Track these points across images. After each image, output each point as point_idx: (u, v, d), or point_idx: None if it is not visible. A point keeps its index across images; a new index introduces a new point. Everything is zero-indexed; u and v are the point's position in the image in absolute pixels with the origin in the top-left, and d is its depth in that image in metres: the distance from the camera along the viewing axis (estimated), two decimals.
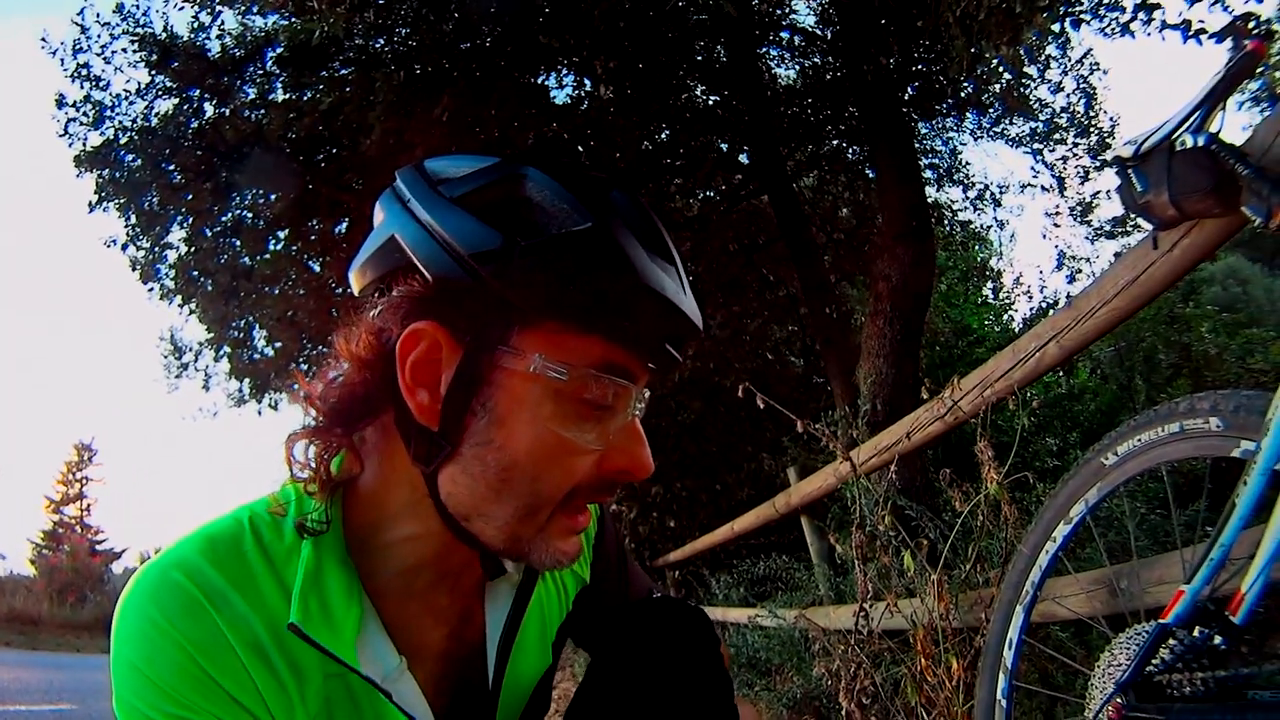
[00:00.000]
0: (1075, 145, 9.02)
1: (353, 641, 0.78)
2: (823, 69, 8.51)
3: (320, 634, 0.75)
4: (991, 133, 9.20)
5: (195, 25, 7.47)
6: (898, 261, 5.65)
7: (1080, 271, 10.09)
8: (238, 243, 8.24)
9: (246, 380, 9.62)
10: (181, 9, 7.44)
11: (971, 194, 10.15)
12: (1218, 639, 1.17)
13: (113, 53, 7.58)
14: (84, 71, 7.58)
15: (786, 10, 8.27)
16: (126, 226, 8.01)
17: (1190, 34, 4.44)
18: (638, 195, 0.79)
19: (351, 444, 0.82)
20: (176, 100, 7.48)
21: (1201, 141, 1.30)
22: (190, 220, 7.95)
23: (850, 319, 8.99)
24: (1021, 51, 5.29)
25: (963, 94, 8.26)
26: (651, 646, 0.71)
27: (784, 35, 8.47)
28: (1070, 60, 8.28)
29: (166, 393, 11.02)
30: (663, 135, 8.48)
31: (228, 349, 9.34)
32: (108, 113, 7.55)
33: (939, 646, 2.33)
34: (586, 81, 7.96)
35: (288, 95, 7.38)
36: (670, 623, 0.73)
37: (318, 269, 8.63)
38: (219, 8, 7.39)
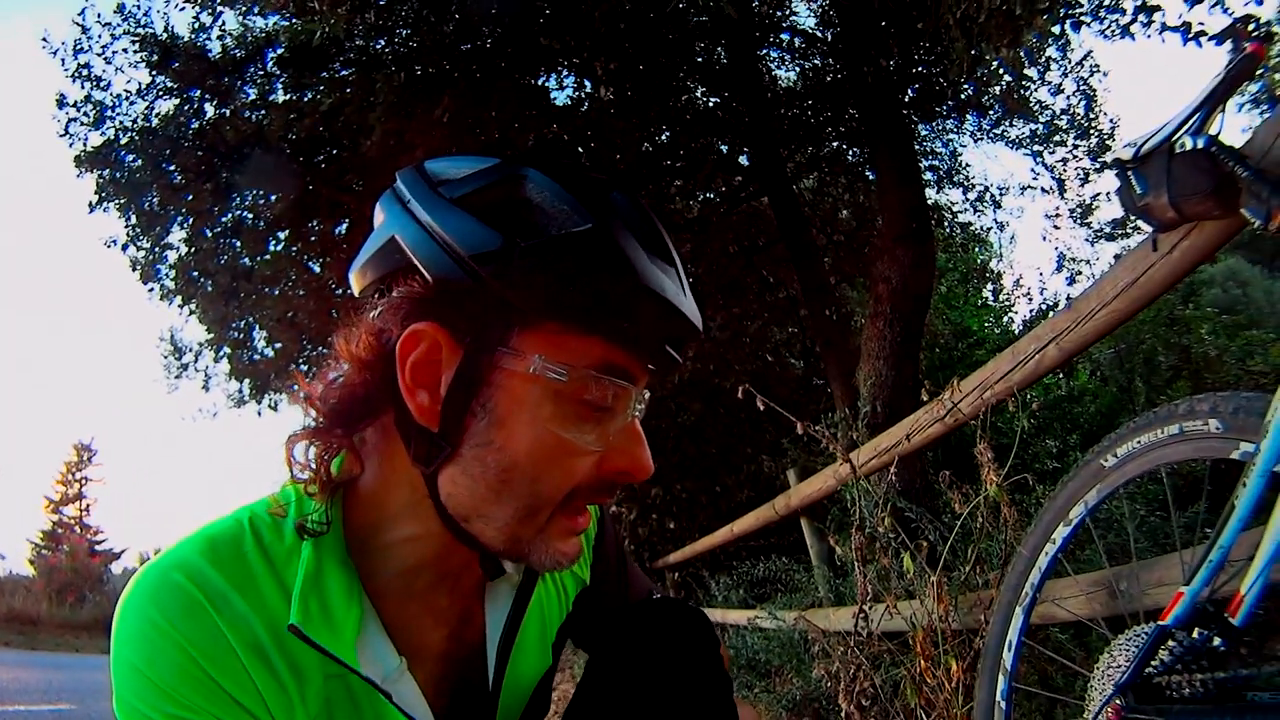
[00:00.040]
0: (1075, 147, 9.04)
1: (353, 642, 0.78)
2: (823, 71, 8.52)
3: (320, 635, 0.75)
4: (992, 135, 9.21)
5: (196, 26, 7.48)
6: (898, 263, 5.66)
7: (1080, 273, 10.12)
8: (238, 243, 8.25)
9: (246, 381, 9.63)
10: (182, 9, 7.45)
11: (971, 196, 10.18)
12: (1217, 641, 1.17)
13: (114, 53, 7.59)
14: (85, 71, 7.59)
15: (787, 12, 8.28)
16: (127, 227, 8.02)
17: (1190, 36, 4.45)
18: (638, 197, 0.79)
19: (352, 445, 0.82)
20: (177, 100, 7.48)
21: (1201, 144, 1.30)
22: (190, 221, 7.96)
23: (850, 321, 8.99)
24: (1022, 54, 5.29)
25: (963, 96, 8.27)
26: (651, 646, 0.71)
27: (784, 37, 8.48)
28: (1070, 62, 8.29)
29: (166, 393, 11.03)
30: (663, 137, 8.48)
31: (228, 350, 9.34)
32: (108, 113, 7.56)
33: (938, 648, 2.33)
34: (587, 83, 7.97)
35: (288, 96, 7.39)
36: (670, 623, 0.73)
37: (318, 270, 8.64)
38: (220, 8, 7.40)
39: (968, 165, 10.00)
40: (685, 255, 7.94)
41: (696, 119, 8.37)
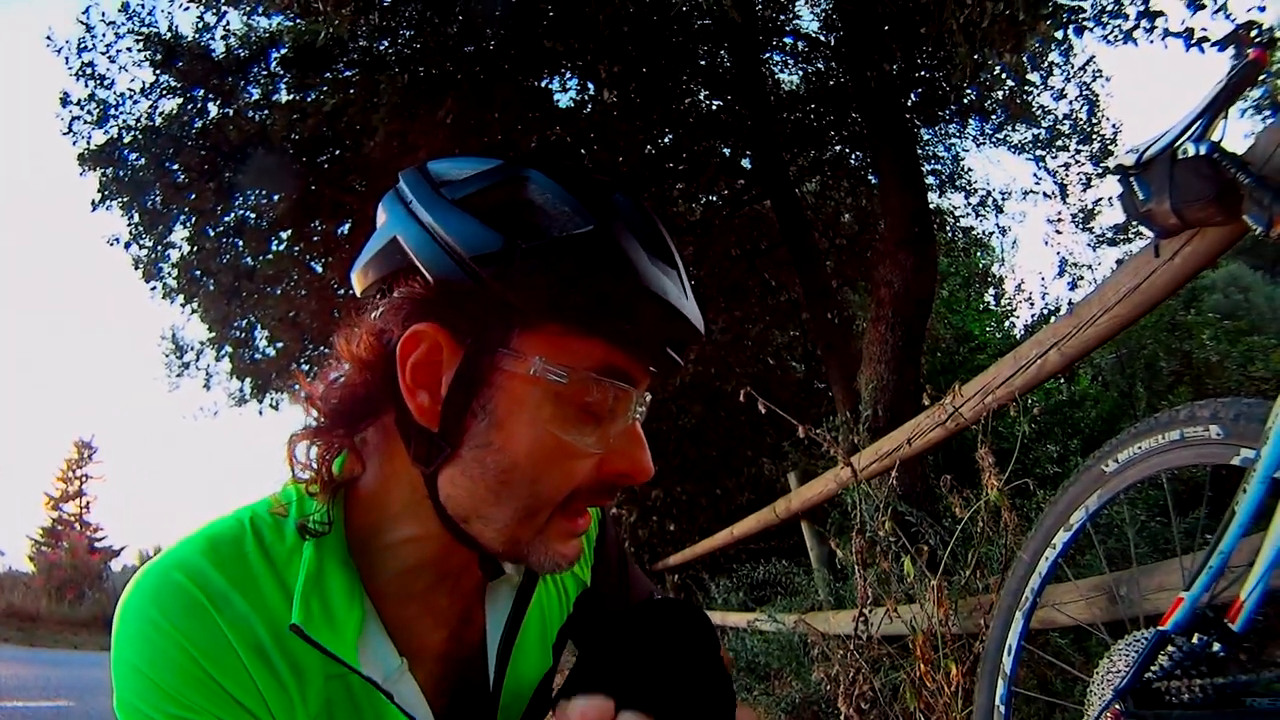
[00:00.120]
0: (1077, 152, 9.05)
1: (354, 642, 0.78)
2: (826, 75, 8.54)
3: (322, 635, 0.75)
4: (994, 139, 9.23)
5: (200, 25, 7.51)
6: (900, 267, 5.66)
7: (1082, 278, 10.12)
8: (240, 243, 8.26)
9: (248, 380, 9.64)
10: (187, 9, 7.48)
11: (973, 200, 10.19)
12: (1216, 646, 1.17)
13: (117, 52, 7.62)
14: (89, 70, 7.61)
15: (790, 16, 8.29)
16: (130, 225, 8.04)
17: (1193, 42, 4.46)
18: (640, 199, 0.79)
19: (353, 445, 0.82)
20: (181, 100, 7.51)
21: (1203, 150, 1.30)
22: (193, 220, 7.98)
23: (852, 325, 8.99)
24: (1024, 59, 5.29)
25: (965, 100, 8.28)
26: (650, 636, 0.71)
27: (787, 41, 8.50)
28: (1073, 67, 8.30)
29: (167, 391, 11.05)
30: (666, 140, 8.50)
31: (229, 349, 9.36)
32: (112, 111, 7.58)
33: (938, 652, 2.33)
34: (590, 85, 7.98)
35: (292, 96, 7.41)
36: (670, 618, 0.73)
37: (320, 270, 8.65)
38: (224, 8, 7.43)
39: (970, 170, 10.05)
40: (687, 258, 7.94)
41: (699, 122, 8.38)
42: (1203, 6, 4.55)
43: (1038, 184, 9.53)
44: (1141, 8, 4.91)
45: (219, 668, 0.73)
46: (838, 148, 9.20)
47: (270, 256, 8.41)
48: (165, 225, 8.06)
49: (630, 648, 0.70)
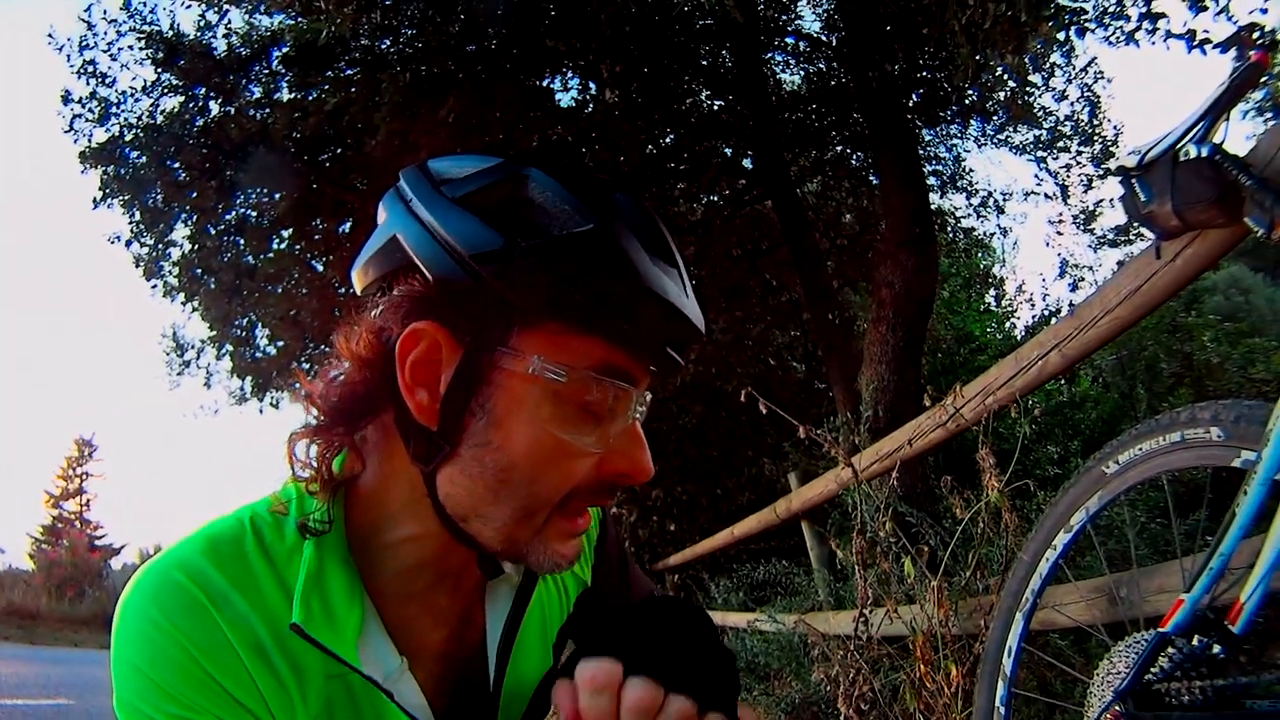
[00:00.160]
0: (1079, 153, 9.04)
1: (354, 642, 0.78)
2: (827, 75, 8.54)
3: (322, 634, 0.75)
4: (995, 140, 9.22)
5: (202, 23, 7.52)
6: (900, 268, 5.66)
7: (1083, 280, 10.11)
8: (241, 241, 8.27)
9: (248, 379, 9.65)
10: (188, 7, 7.50)
11: (975, 201, 10.19)
12: (1216, 648, 1.17)
13: (119, 49, 7.63)
14: (90, 68, 7.62)
15: (792, 16, 8.29)
16: (131, 223, 8.04)
17: (1195, 44, 4.46)
18: (641, 198, 0.79)
19: (353, 443, 0.82)
20: (182, 98, 7.52)
21: (1205, 152, 1.30)
22: (194, 218, 7.99)
23: (853, 325, 8.99)
24: (1026, 60, 5.30)
25: (967, 101, 8.28)
26: (652, 622, 0.71)
27: (789, 41, 8.50)
28: (1074, 68, 8.29)
29: (168, 390, 11.05)
30: (667, 139, 8.50)
31: (230, 347, 9.37)
32: (113, 109, 7.59)
33: (938, 653, 2.33)
34: (591, 85, 7.98)
35: (293, 95, 7.41)
36: (671, 609, 0.73)
37: (321, 268, 8.66)
38: (226, 6, 7.44)
39: (971, 170, 10.04)
40: (688, 258, 7.96)
41: (701, 122, 8.38)
42: (1205, 8, 4.55)
43: (1039, 185, 9.53)
44: (1143, 9, 4.91)
45: (219, 667, 0.73)
46: (839, 148, 9.20)
47: (271, 255, 8.41)
48: (166, 223, 8.07)
49: (634, 631, 0.70)
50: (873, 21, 6.24)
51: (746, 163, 8.78)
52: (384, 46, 6.83)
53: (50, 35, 7.69)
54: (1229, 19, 4.61)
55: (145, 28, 7.46)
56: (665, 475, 9.59)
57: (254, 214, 8.25)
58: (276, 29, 7.41)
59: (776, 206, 8.03)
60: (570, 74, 7.86)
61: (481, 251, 0.71)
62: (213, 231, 8.11)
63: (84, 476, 30.35)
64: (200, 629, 0.73)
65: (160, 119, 7.47)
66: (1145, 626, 1.38)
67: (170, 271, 8.49)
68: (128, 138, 7.51)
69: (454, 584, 0.88)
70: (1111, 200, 9.28)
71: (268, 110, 7.34)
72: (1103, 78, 8.43)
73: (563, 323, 0.72)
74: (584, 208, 0.73)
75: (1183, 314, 7.54)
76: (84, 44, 7.62)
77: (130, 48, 7.58)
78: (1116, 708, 1.26)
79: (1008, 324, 10.50)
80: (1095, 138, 8.80)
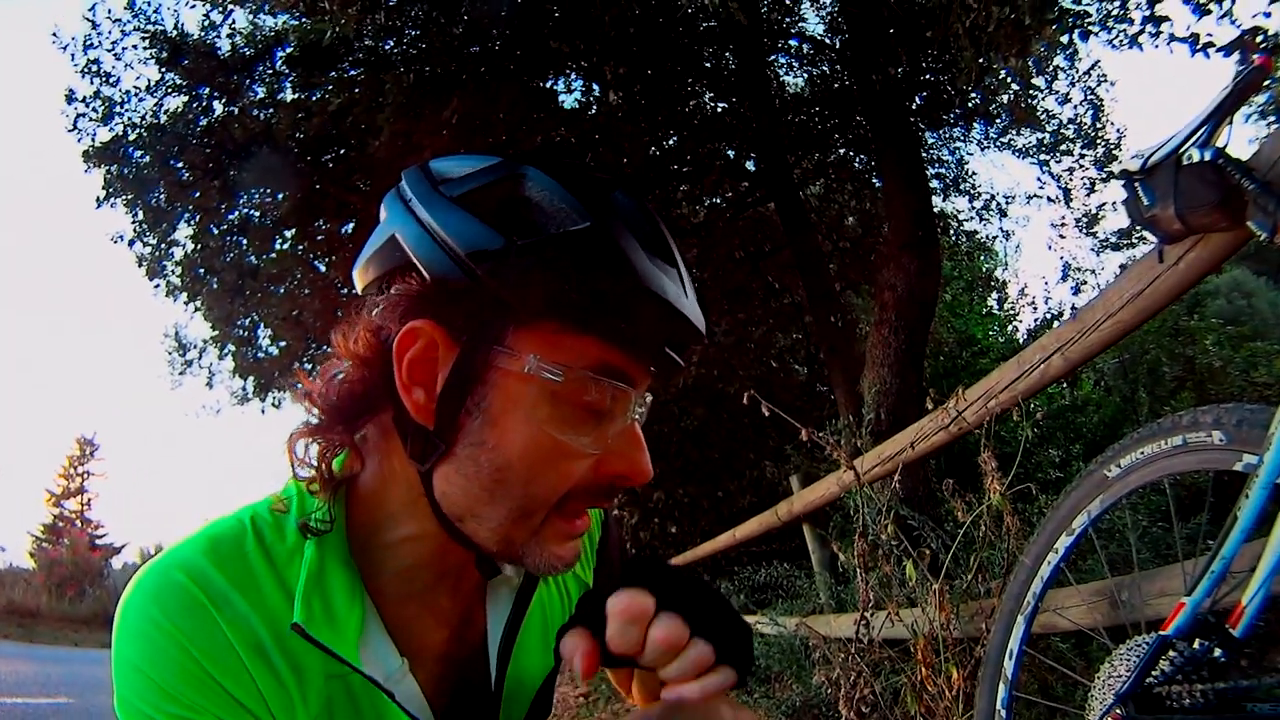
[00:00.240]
0: (1082, 157, 9.04)
1: (355, 642, 0.78)
2: (831, 78, 8.54)
3: (323, 634, 0.75)
4: (998, 143, 9.23)
5: (206, 23, 7.54)
6: (903, 271, 5.66)
7: (1085, 283, 10.12)
8: (244, 241, 8.28)
9: (250, 378, 9.66)
10: (193, 7, 7.51)
11: (978, 204, 10.19)
12: (1218, 651, 1.17)
13: (123, 49, 7.64)
14: (94, 67, 7.64)
15: (795, 19, 8.29)
16: (134, 223, 8.06)
17: (1198, 47, 4.45)
18: (642, 198, 0.79)
19: (352, 442, 0.82)
20: (186, 98, 7.53)
21: (1208, 156, 1.30)
22: (197, 218, 8.00)
23: (855, 328, 8.98)
24: (1030, 63, 5.30)
25: (970, 104, 8.28)
26: (666, 576, 0.72)
27: (793, 44, 8.50)
28: (1078, 72, 8.29)
29: (170, 389, 11.07)
30: (670, 141, 8.50)
31: (232, 347, 9.39)
32: (117, 109, 7.61)
33: (939, 656, 2.33)
34: (595, 86, 7.99)
35: (297, 95, 7.42)
36: (694, 579, 0.74)
37: (324, 269, 8.67)
38: (230, 6, 7.45)
39: (974, 173, 10.05)
40: (691, 260, 7.96)
41: (704, 124, 8.38)
42: (1208, 12, 4.55)
43: (1042, 188, 9.54)
44: (1147, 12, 4.90)
45: (219, 667, 0.73)
46: (842, 150, 9.20)
47: (274, 255, 8.43)
48: (169, 223, 8.09)
49: (662, 580, 0.71)
50: (876, 24, 6.24)
51: (749, 165, 8.79)
52: (388, 47, 6.84)
53: (55, 34, 7.73)
54: (1232, 22, 4.60)
55: (150, 27, 7.49)
56: (667, 477, 9.59)
57: (257, 214, 8.27)
58: (280, 29, 7.43)
59: (779, 209, 8.03)
60: (574, 75, 7.87)
61: (477, 250, 0.71)
62: (216, 231, 8.13)
63: (85, 475, 30.41)
64: (201, 629, 0.73)
65: (164, 119, 7.49)
66: (1147, 630, 1.37)
67: (173, 271, 8.51)
68: (131, 137, 7.53)
69: (454, 584, 0.88)
70: (1114, 204, 9.28)
71: (271, 110, 7.36)
72: (1106, 81, 8.44)
73: (559, 322, 0.72)
74: (581, 206, 0.72)
75: (1185, 318, 7.52)
76: (88, 43, 7.65)
77: (134, 47, 7.61)
78: (1118, 711, 1.25)
79: (1010, 327, 10.49)
80: (1098, 141, 8.80)
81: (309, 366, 8.51)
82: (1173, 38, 4.72)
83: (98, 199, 7.67)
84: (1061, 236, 9.95)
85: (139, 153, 7.52)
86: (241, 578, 0.76)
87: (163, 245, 8.32)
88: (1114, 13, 5.57)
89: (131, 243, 8.29)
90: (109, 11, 7.68)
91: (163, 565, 0.76)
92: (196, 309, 8.80)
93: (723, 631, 0.71)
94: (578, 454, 0.75)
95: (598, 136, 7.59)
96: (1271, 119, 9.48)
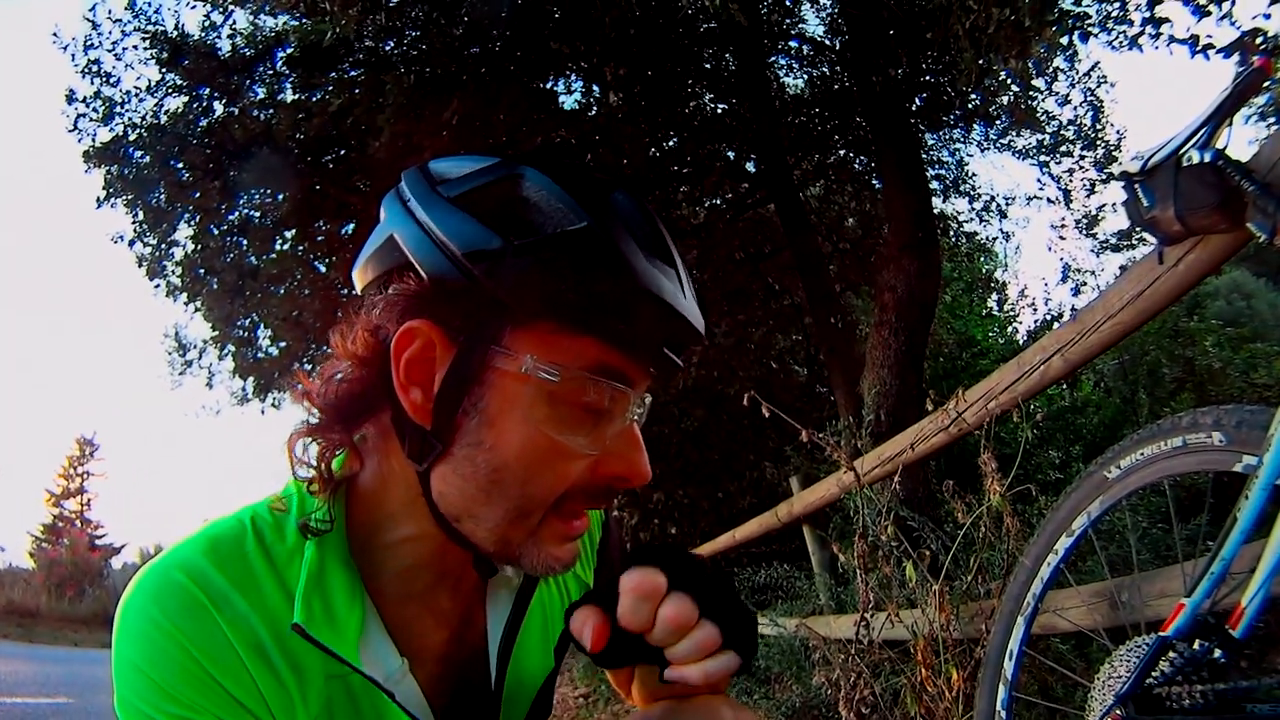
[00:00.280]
0: (1082, 158, 9.04)
1: (355, 642, 0.78)
2: (831, 79, 8.54)
3: (323, 634, 0.75)
4: (998, 144, 9.23)
5: (206, 24, 7.54)
6: (903, 272, 5.66)
7: (1085, 284, 10.12)
8: (244, 242, 8.28)
9: (250, 379, 9.66)
10: (193, 7, 7.51)
11: (977, 205, 10.19)
12: (1217, 652, 1.17)
13: (124, 49, 7.65)
14: (95, 67, 7.64)
15: (795, 20, 8.29)
16: (134, 223, 8.07)
17: (1198, 49, 4.45)
18: (641, 198, 0.79)
19: (351, 442, 0.82)
20: (186, 98, 7.53)
21: (1208, 157, 1.31)
22: (198, 218, 8.01)
23: (855, 329, 8.98)
24: (1029, 64, 5.30)
25: (970, 105, 8.28)
26: (688, 561, 0.73)
27: (792, 45, 8.50)
28: (1078, 73, 8.28)
29: (170, 389, 11.08)
30: (670, 143, 8.50)
31: (232, 347, 9.39)
32: (117, 109, 7.61)
33: (939, 657, 2.33)
34: (595, 87, 8.00)
35: (297, 96, 7.43)
36: (702, 563, 0.74)
37: (324, 270, 8.67)
38: (230, 7, 7.45)
39: (974, 175, 10.05)
40: (690, 261, 7.95)
41: (704, 125, 8.38)
42: (1208, 13, 4.55)
43: (1042, 189, 9.53)
44: (1147, 14, 4.90)
45: (219, 667, 0.73)
46: (842, 152, 9.21)
47: (274, 256, 8.43)
48: (169, 223, 8.09)
49: (674, 561, 0.71)
50: (876, 25, 6.24)
51: (749, 166, 8.79)
52: (388, 48, 6.84)
53: (55, 34, 7.73)
54: (1232, 24, 4.60)
55: (150, 28, 7.49)
56: (666, 478, 9.58)
57: (257, 215, 8.27)
58: (281, 30, 7.43)
59: (779, 210, 8.03)
60: (574, 76, 7.88)
61: (475, 250, 0.71)
62: (216, 232, 8.13)
63: (85, 475, 30.40)
64: (201, 629, 0.73)
65: (164, 119, 7.49)
66: (1146, 631, 1.37)
67: (173, 271, 8.52)
68: (131, 137, 7.53)
69: (454, 585, 0.88)
70: (1114, 205, 9.28)
71: (271, 111, 7.36)
72: (1106, 82, 8.43)
73: (556, 322, 0.72)
74: (579, 206, 0.72)
75: (1185, 319, 7.52)
76: (89, 43, 7.65)
77: (135, 48, 7.61)
78: (1117, 712, 1.25)
79: (1010, 328, 10.48)
80: (1098, 142, 8.80)
81: (309, 367, 8.50)
82: (1172, 39, 4.72)
83: (98, 199, 7.67)
84: (1061, 238, 9.96)
85: (139, 153, 7.53)
86: (241, 578, 0.76)
87: (163, 245, 8.32)
88: (1114, 14, 5.58)
89: (131, 243, 8.30)
90: (109, 12, 7.71)
91: (163, 565, 0.76)
92: (196, 309, 8.80)
93: (730, 617, 0.71)
94: (575, 455, 0.75)
95: (598, 137, 7.59)
96: (1271, 121, 9.48)
